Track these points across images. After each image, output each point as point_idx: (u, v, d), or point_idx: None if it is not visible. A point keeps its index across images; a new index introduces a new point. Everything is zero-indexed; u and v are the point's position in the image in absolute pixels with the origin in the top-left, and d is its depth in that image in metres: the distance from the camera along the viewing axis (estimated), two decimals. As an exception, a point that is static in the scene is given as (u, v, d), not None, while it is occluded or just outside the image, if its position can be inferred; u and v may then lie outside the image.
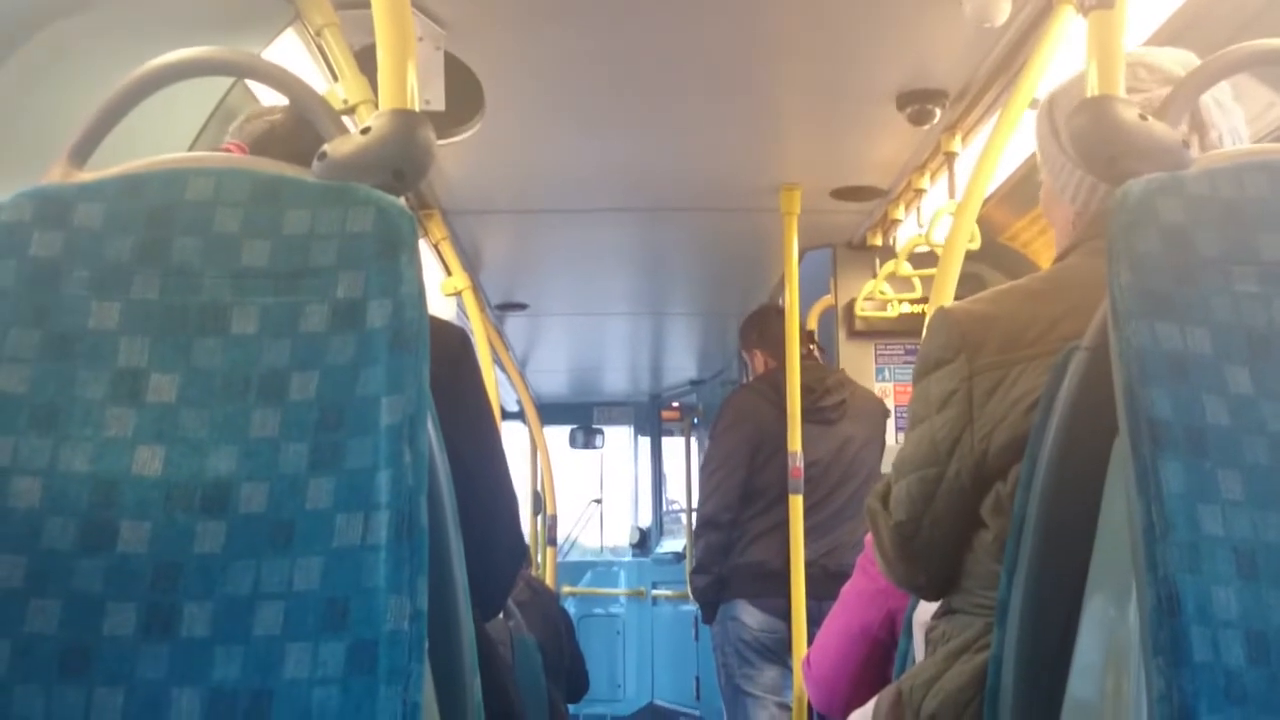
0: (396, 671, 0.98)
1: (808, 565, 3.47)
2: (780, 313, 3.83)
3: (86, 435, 1.04)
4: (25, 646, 0.99)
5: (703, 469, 3.95)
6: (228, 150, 1.66)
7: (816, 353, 4.04)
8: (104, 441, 1.04)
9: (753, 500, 3.73)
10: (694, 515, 7.23)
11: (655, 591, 7.52)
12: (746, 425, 3.76)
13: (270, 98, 2.17)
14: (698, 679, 6.89)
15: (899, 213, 3.75)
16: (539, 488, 6.41)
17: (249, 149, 1.65)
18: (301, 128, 1.28)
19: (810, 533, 3.56)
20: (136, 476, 1.03)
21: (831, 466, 3.71)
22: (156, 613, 1.00)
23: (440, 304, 4.11)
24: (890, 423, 3.96)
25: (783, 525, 3.51)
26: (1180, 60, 1.48)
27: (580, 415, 8.25)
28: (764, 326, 3.95)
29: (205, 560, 1.01)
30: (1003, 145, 2.47)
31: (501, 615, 3.26)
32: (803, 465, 3.53)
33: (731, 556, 3.75)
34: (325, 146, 1.18)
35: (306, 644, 0.99)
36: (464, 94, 2.58)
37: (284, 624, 0.99)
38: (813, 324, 4.24)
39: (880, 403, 3.94)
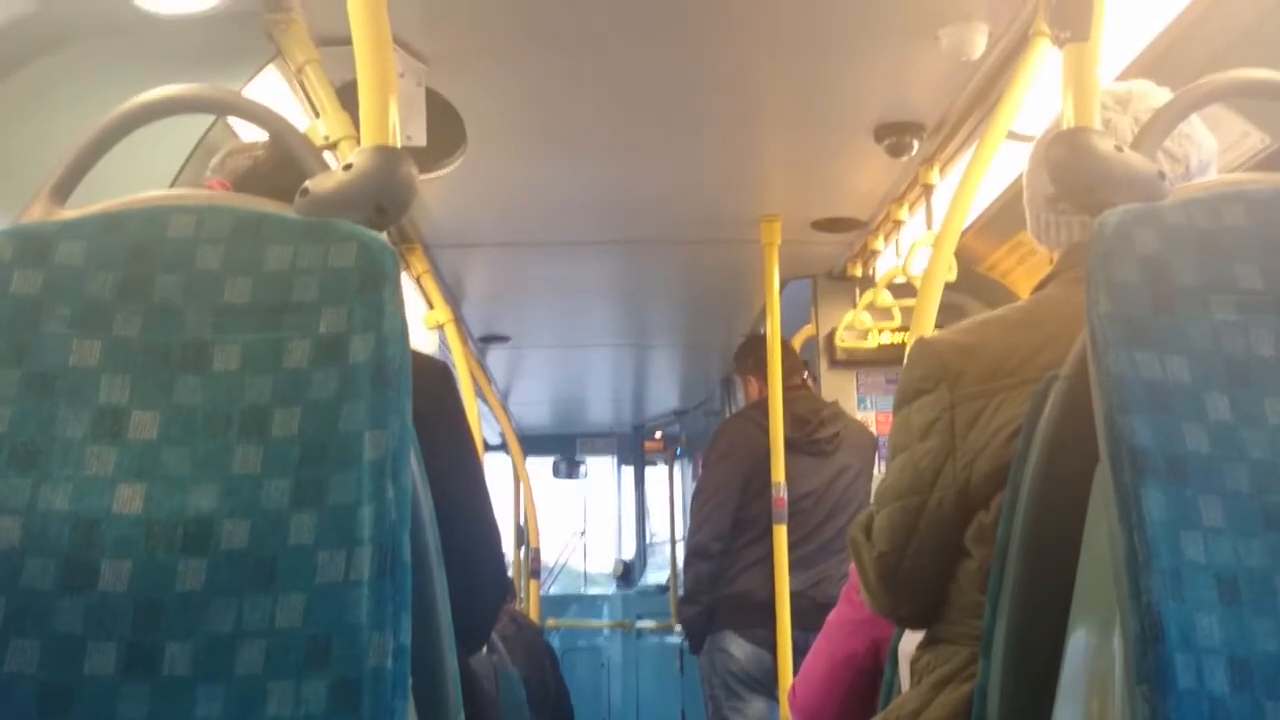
0: (380, 709, 0.97)
1: (796, 596, 3.46)
2: (781, 342, 3.84)
3: (67, 474, 1.04)
4: (5, 687, 0.98)
5: (694, 498, 3.94)
6: (210, 187, 1.66)
7: (810, 383, 4.05)
8: (85, 480, 1.04)
9: (744, 530, 3.72)
10: (678, 546, 7.22)
11: (639, 624, 7.49)
12: (739, 455, 3.75)
13: (251, 134, 2.17)
14: (683, 712, 6.85)
15: (878, 243, 3.78)
16: (522, 520, 6.38)
17: (232, 186, 1.65)
18: (284, 164, 1.28)
19: (799, 564, 3.56)
20: (117, 515, 1.03)
21: (823, 498, 3.70)
22: (138, 652, 0.99)
23: (422, 337, 4.10)
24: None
25: (771, 556, 3.51)
26: (1109, 91, 1.51)
27: (563, 446, 8.24)
28: (761, 353, 3.96)
29: (187, 598, 1.00)
30: (980, 176, 2.49)
31: (485, 649, 3.24)
32: (788, 495, 3.53)
33: (720, 586, 3.73)
34: (307, 183, 1.18)
35: (289, 682, 0.98)
36: (446, 129, 2.59)
37: (266, 662, 0.99)
38: (794, 355, 4.25)
39: (871, 435, 3.95)
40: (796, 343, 4.34)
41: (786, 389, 3.66)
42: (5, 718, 0.97)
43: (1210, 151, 1.49)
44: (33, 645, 0.99)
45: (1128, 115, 1.48)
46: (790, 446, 3.59)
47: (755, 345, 4.07)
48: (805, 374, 4.00)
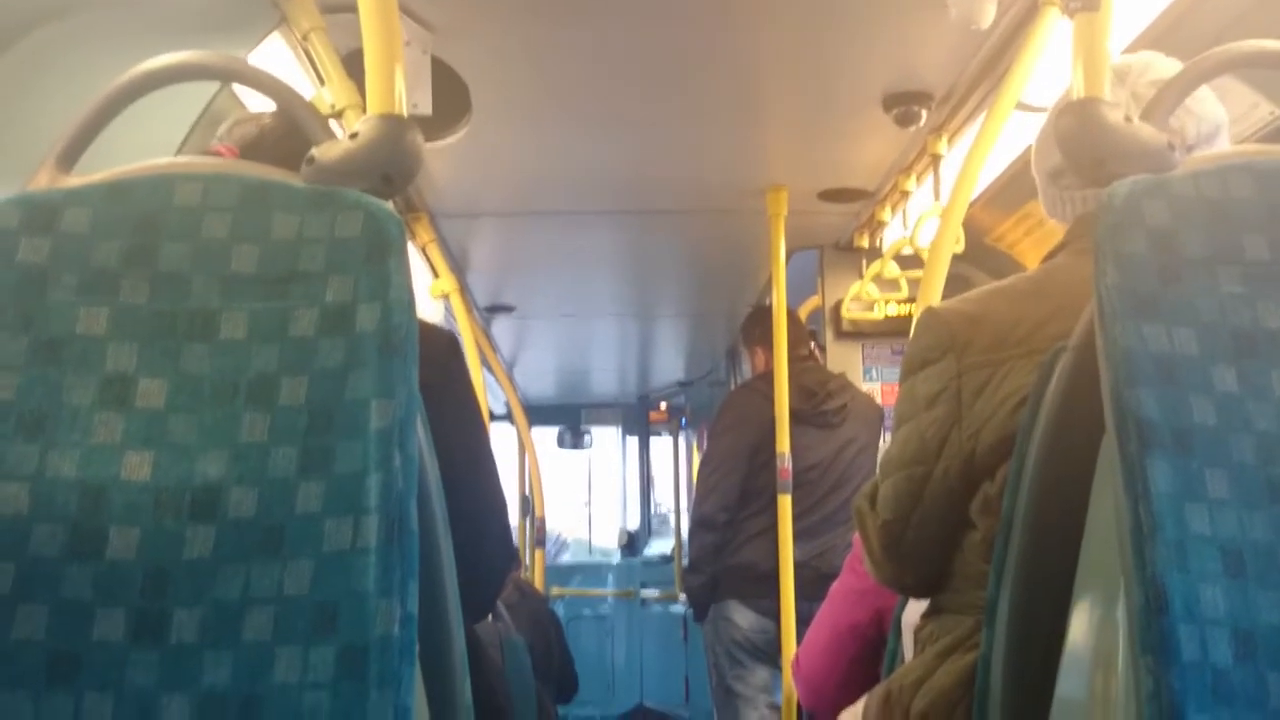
0: (387, 676, 0.98)
1: (800, 566, 3.47)
2: (789, 312, 3.84)
3: (74, 441, 1.04)
4: (13, 653, 0.98)
5: (701, 468, 3.95)
6: (217, 154, 1.65)
7: (818, 354, 4.04)
8: (92, 447, 1.04)
9: (749, 501, 3.73)
10: (683, 516, 7.24)
11: (644, 593, 7.53)
12: (746, 426, 3.76)
13: (257, 103, 2.17)
14: (687, 680, 6.90)
15: (885, 214, 3.76)
16: (527, 490, 6.40)
17: (239, 153, 1.65)
18: (291, 132, 1.28)
19: (804, 534, 3.57)
20: (125, 482, 1.03)
21: (829, 470, 3.71)
22: (146, 618, 1.00)
23: (428, 306, 4.10)
24: (880, 424, 3.98)
25: (777, 526, 3.52)
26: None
27: (568, 417, 8.26)
28: (769, 324, 3.95)
29: (194, 565, 1.01)
30: (988, 147, 2.48)
31: (490, 617, 3.26)
32: (794, 467, 3.53)
33: (724, 556, 3.75)
34: (313, 151, 1.18)
35: (296, 649, 0.99)
36: (451, 98, 2.58)
37: (274, 629, 0.99)
38: (800, 326, 4.25)
39: (878, 407, 3.94)
40: (802, 314, 4.33)
41: (794, 360, 3.66)
42: (14, 684, 0.98)
43: (1213, 123, 1.48)
44: (41, 611, 0.99)
45: (1125, 89, 1.47)
46: (797, 418, 3.59)
47: (762, 316, 4.06)
48: (813, 345, 4.00)
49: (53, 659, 0.99)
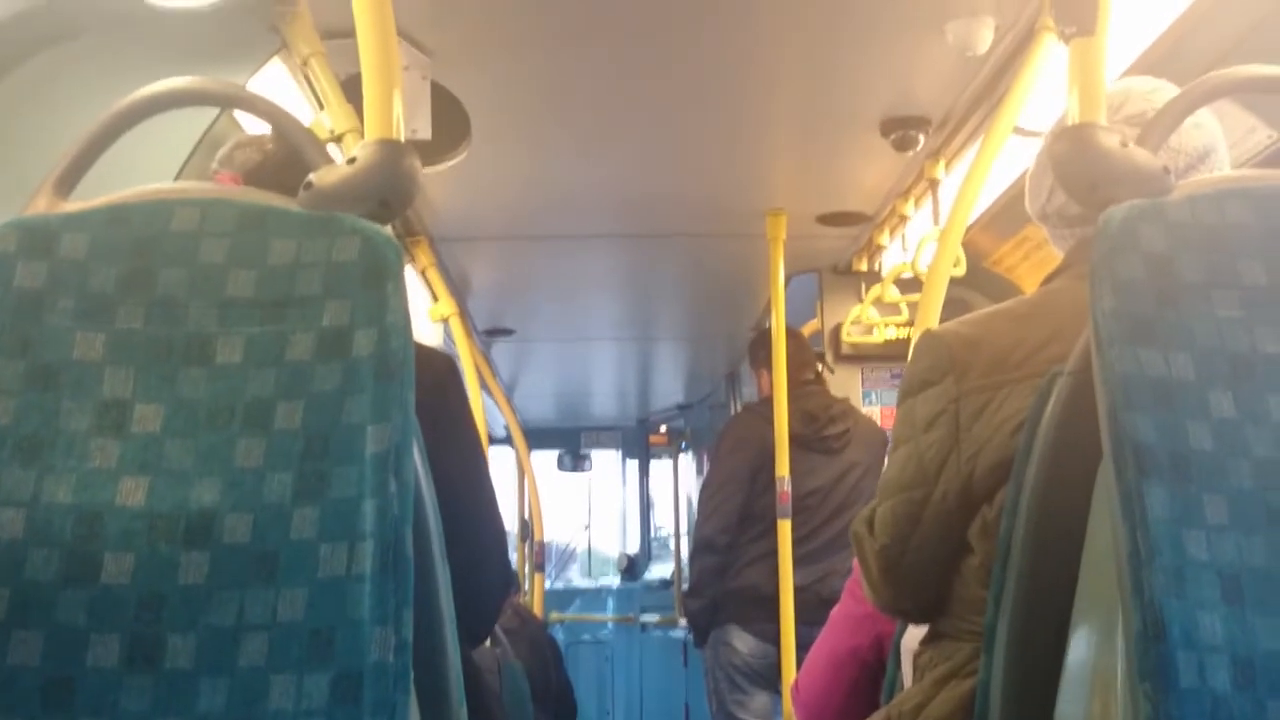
0: (381, 703, 0.97)
1: (800, 591, 3.46)
2: (795, 335, 3.83)
3: (70, 466, 1.04)
4: (8, 678, 0.98)
5: (702, 490, 3.95)
6: (220, 181, 1.65)
7: (827, 374, 4.04)
8: (88, 473, 1.04)
9: (750, 524, 3.73)
10: (683, 540, 7.23)
11: (644, 618, 7.50)
12: (748, 449, 3.76)
13: (256, 127, 2.17)
14: (687, 706, 6.86)
15: (884, 238, 3.77)
16: (526, 514, 6.39)
17: (242, 179, 1.65)
18: (294, 158, 1.28)
19: (805, 559, 3.56)
20: (120, 507, 1.03)
21: (831, 494, 3.70)
22: (140, 644, 0.99)
23: (427, 330, 4.11)
24: (883, 448, 3.97)
25: (777, 550, 3.51)
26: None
27: (568, 440, 8.25)
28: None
29: (189, 591, 1.01)
30: (986, 171, 2.49)
31: (488, 642, 3.25)
32: (795, 491, 3.53)
33: (725, 580, 3.74)
34: (311, 176, 1.18)
35: (291, 675, 0.98)
36: (450, 122, 2.59)
37: (268, 655, 0.99)
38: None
39: (881, 431, 3.94)
40: (801, 337, 4.33)
41: (798, 384, 3.66)
42: (8, 709, 0.97)
43: (1194, 154, 1.47)
44: (35, 637, 0.99)
45: None
46: (799, 443, 3.59)
47: (769, 338, 4.06)
48: (820, 369, 3.99)
49: (47, 685, 0.98)
